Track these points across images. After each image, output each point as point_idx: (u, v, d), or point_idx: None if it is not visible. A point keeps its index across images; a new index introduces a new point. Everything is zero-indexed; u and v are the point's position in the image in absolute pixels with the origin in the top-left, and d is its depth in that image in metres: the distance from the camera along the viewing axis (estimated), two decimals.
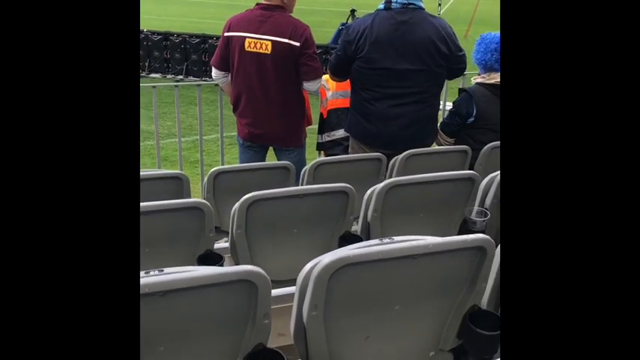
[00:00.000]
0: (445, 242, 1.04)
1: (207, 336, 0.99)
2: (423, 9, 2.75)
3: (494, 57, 2.72)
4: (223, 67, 2.99)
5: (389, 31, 2.69)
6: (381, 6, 2.75)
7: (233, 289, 0.96)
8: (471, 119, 2.74)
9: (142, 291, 0.86)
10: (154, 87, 3.50)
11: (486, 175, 1.95)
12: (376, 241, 1.12)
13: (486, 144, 2.53)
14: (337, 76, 2.96)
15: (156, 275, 0.89)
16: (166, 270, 0.95)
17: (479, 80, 2.81)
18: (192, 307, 0.94)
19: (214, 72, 3.05)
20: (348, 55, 2.76)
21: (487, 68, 2.79)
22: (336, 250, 1.06)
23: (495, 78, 2.73)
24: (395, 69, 2.70)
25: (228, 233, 1.79)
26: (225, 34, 2.92)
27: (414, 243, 1.02)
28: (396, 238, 1.12)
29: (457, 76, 2.97)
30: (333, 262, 0.99)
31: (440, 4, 17.10)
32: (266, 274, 0.99)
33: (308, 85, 2.92)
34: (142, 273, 0.90)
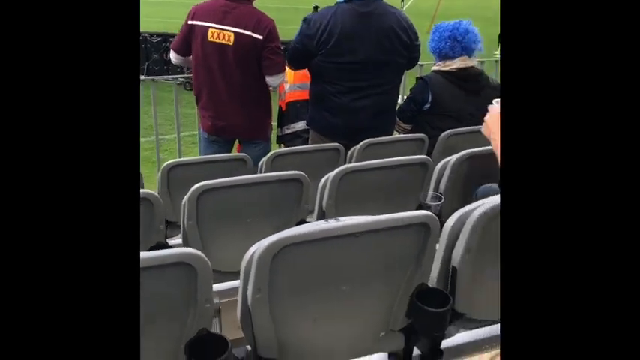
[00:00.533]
0: (388, 219, 1.03)
1: (148, 321, 0.97)
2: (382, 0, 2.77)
3: (448, 45, 2.76)
4: (183, 52, 2.94)
5: (353, 23, 2.68)
6: None
7: (171, 272, 0.93)
8: (427, 105, 2.78)
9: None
10: None
11: None
12: (322, 222, 1.10)
13: (443, 130, 2.55)
14: (295, 67, 2.95)
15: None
16: None
17: (435, 68, 2.85)
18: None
19: (172, 55, 3.01)
20: (309, 49, 2.74)
21: (442, 56, 2.83)
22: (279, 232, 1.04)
23: (450, 65, 2.77)
24: (360, 62, 2.71)
25: None
26: (189, 22, 2.87)
27: (356, 220, 1.02)
28: (341, 219, 1.11)
29: (412, 67, 2.99)
30: (275, 243, 0.98)
31: (403, 0, 17.25)
32: (206, 258, 0.97)
33: (270, 80, 2.89)
34: None
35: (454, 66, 2.75)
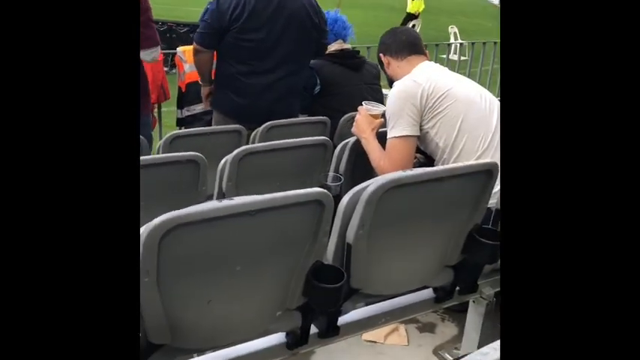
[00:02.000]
0: (281, 197, 1.02)
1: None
2: None
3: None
4: None
5: (265, 2, 2.63)
6: None
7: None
8: (317, 88, 2.89)
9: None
10: None
11: None
12: (214, 202, 1.07)
13: (337, 110, 2.64)
14: (207, 47, 2.79)
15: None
16: None
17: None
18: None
19: None
20: (222, 25, 2.64)
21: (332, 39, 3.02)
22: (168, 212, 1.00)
23: (330, 49, 2.98)
24: (271, 41, 2.66)
25: None
26: None
27: (249, 199, 1.00)
28: (235, 198, 1.08)
29: (321, 54, 2.99)
30: (163, 223, 0.93)
31: None
32: None
33: (143, 54, 2.73)
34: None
35: (332, 49, 2.99)
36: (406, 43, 2.08)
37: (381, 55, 2.16)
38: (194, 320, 1.08)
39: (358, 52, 3.19)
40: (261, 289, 1.13)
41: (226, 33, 2.65)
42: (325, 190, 1.08)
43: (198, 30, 2.81)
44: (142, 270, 0.95)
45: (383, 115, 2.00)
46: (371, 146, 1.94)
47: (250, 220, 1.02)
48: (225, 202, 1.00)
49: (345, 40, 3.05)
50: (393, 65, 2.11)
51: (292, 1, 2.69)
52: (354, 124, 2.03)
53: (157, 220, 0.94)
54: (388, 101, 1.98)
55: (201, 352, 1.17)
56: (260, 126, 2.50)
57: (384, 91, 2.97)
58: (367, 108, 2.05)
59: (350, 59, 3.00)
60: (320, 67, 2.93)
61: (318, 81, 2.90)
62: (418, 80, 1.90)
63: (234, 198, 1.05)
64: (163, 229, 0.93)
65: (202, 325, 1.09)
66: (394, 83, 2.01)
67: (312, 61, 2.93)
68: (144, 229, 0.95)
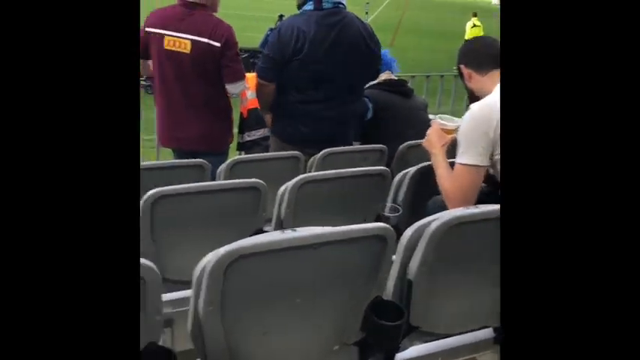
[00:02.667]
0: (344, 231, 1.02)
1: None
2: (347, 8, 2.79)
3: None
4: (144, 55, 2.86)
5: (325, 31, 2.67)
6: (309, 7, 2.70)
7: None
8: (369, 115, 2.95)
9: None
10: None
11: None
12: (278, 232, 1.09)
13: (393, 135, 2.65)
14: (270, 80, 2.85)
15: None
16: None
17: (366, 86, 3.04)
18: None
19: None
20: (284, 58, 2.69)
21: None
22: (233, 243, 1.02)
23: (382, 77, 3.08)
24: (330, 70, 2.70)
25: None
26: (146, 28, 2.79)
27: (313, 231, 1.00)
28: (298, 229, 1.09)
29: (374, 79, 3.03)
30: (229, 254, 0.95)
31: (367, 13, 17.46)
32: (156, 269, 0.94)
33: (230, 88, 2.82)
34: None
35: (381, 79, 3.09)
36: (491, 55, 1.87)
37: (461, 66, 1.97)
38: (252, 350, 1.08)
39: (406, 81, 3.39)
40: (320, 322, 1.13)
41: (287, 65, 2.71)
42: (388, 226, 1.07)
43: (259, 64, 2.88)
44: (205, 299, 0.97)
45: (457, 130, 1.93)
46: (439, 163, 1.85)
47: (313, 253, 1.03)
48: (289, 234, 1.00)
49: (392, 72, 3.19)
50: (475, 79, 1.93)
51: (349, 29, 2.72)
52: (426, 138, 1.97)
53: (222, 250, 0.96)
54: (464, 120, 1.87)
55: None
56: (316, 152, 2.52)
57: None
58: (440, 123, 1.95)
59: (399, 87, 3.14)
60: (372, 94, 3.02)
61: (370, 106, 2.98)
62: (496, 107, 1.79)
63: (298, 230, 1.06)
64: (229, 259, 0.95)
65: (260, 355, 1.10)
66: (472, 105, 1.90)
67: (365, 91, 2.99)
68: (210, 258, 0.97)
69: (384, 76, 3.10)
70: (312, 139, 2.76)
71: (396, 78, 3.24)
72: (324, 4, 2.68)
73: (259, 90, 2.90)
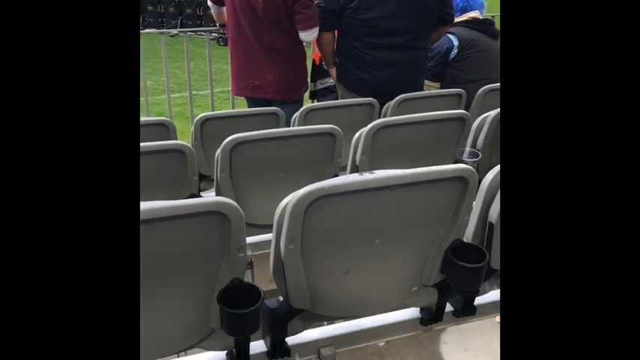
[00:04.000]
0: (424, 172, 1.00)
1: (182, 270, 0.97)
2: None
3: (461, 1, 3.02)
4: (219, 2, 2.90)
5: None
6: None
7: (205, 220, 0.93)
8: (454, 52, 2.86)
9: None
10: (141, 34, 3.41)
11: None
12: (356, 174, 1.08)
13: (474, 75, 2.55)
14: (326, 29, 2.83)
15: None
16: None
17: (455, 21, 2.95)
18: (164, 238, 0.91)
19: (209, 3, 2.98)
20: (335, 8, 2.67)
21: (461, 11, 3.02)
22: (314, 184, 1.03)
23: (468, 15, 2.99)
24: (388, 16, 2.63)
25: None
26: None
27: (392, 173, 0.99)
28: (376, 172, 1.08)
29: (447, 22, 2.91)
30: (309, 194, 0.96)
31: None
32: (239, 208, 0.96)
33: (303, 35, 2.80)
34: None
35: (470, 16, 3.01)
36: None
37: None
38: (333, 289, 1.11)
39: (493, 22, 3.24)
40: (399, 263, 1.13)
41: (342, 13, 2.66)
42: (471, 167, 1.04)
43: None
44: (287, 237, 0.99)
45: None
46: None
47: (391, 195, 1.02)
48: (368, 176, 1.00)
49: (480, 12, 3.10)
50: None
51: None
52: None
53: (302, 191, 0.97)
54: None
55: (336, 320, 1.21)
56: (381, 98, 2.48)
57: None
58: None
59: (487, 27, 3.02)
60: (458, 32, 2.93)
61: (457, 44, 2.90)
62: None
63: (376, 172, 1.05)
64: (309, 200, 0.96)
65: (340, 294, 1.12)
66: None
67: (450, 28, 2.91)
68: (291, 198, 0.99)
69: (472, 14, 3.03)
70: (374, 86, 2.72)
71: (481, 17, 3.14)
72: None
73: (317, 40, 2.87)
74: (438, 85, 2.92)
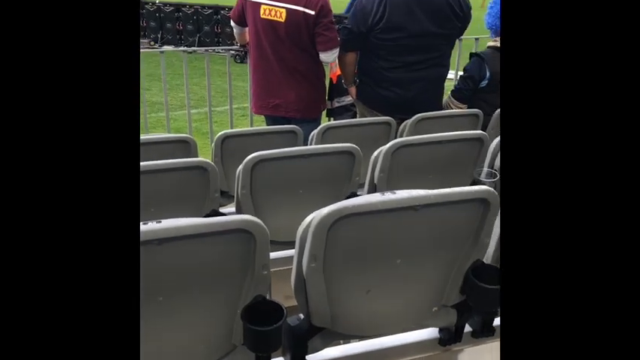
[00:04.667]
0: (447, 193, 1.01)
1: (206, 286, 0.99)
2: None
3: None
4: (240, 22, 2.96)
5: None
6: None
7: (230, 238, 0.95)
8: (484, 82, 2.72)
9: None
10: (162, 52, 3.48)
11: None
12: (378, 194, 1.10)
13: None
14: (351, 50, 2.86)
15: (152, 224, 0.88)
16: (164, 221, 0.94)
17: (490, 44, 2.80)
18: (189, 256, 0.93)
19: (232, 24, 3.03)
20: (362, 29, 2.69)
21: (498, 33, 2.79)
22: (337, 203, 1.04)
23: (498, 40, 2.75)
24: (413, 36, 2.66)
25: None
26: None
27: (415, 194, 1.00)
28: (397, 192, 1.10)
29: (460, 35, 2.91)
30: (332, 213, 0.98)
31: None
32: (263, 225, 0.98)
33: (324, 56, 2.84)
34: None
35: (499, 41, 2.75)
36: None
37: None
38: (353, 308, 1.12)
39: None
40: (420, 283, 1.14)
41: (369, 33, 2.69)
42: (492, 189, 1.05)
43: (341, 36, 2.88)
44: (309, 255, 1.01)
45: None
46: None
47: (413, 215, 1.03)
48: (391, 196, 1.01)
49: None
50: None
51: None
52: None
53: (326, 210, 0.98)
54: None
55: (356, 339, 1.22)
56: (403, 116, 2.49)
57: None
58: None
59: None
60: (490, 60, 2.72)
61: (488, 74, 2.73)
62: None
63: (398, 192, 1.07)
64: (332, 218, 0.97)
65: (361, 313, 1.13)
66: None
67: (482, 52, 2.82)
68: (314, 216, 1.00)
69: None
70: (396, 104, 2.75)
71: None
72: None
73: (340, 60, 2.90)
74: (465, 106, 2.87)
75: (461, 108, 2.84)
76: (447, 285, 1.15)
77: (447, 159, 1.88)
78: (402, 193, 1.02)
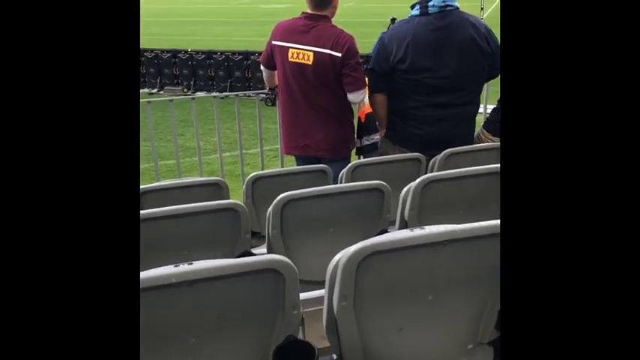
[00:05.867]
0: (474, 228, 1.01)
1: (238, 327, 1.00)
2: (458, 8, 2.71)
3: None
4: (270, 66, 3.04)
5: (430, 38, 2.63)
6: (416, 12, 2.68)
7: (260, 278, 0.96)
8: None
9: (168, 281, 0.88)
10: (193, 98, 3.59)
11: None
12: (406, 230, 1.10)
13: None
14: (378, 91, 2.89)
15: (183, 265, 0.90)
16: (195, 263, 0.96)
17: None
18: (219, 297, 0.95)
19: (262, 68, 3.12)
20: (385, 68, 2.72)
21: None
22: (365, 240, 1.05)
23: None
24: (441, 77, 2.66)
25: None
26: (272, 42, 2.95)
27: (442, 229, 1.00)
28: (426, 227, 1.10)
29: (494, 77, 2.90)
30: (360, 250, 0.98)
31: (482, 9, 16.84)
32: (293, 264, 0.99)
33: (352, 97, 2.88)
34: (171, 266, 0.92)
35: None
36: None
37: None
38: (386, 346, 1.10)
39: None
40: (453, 320, 1.12)
41: (394, 73, 2.71)
42: None
43: (368, 78, 2.91)
44: (340, 294, 1.01)
45: None
46: None
47: (442, 251, 1.03)
48: (417, 232, 1.01)
49: None
50: None
51: (460, 34, 2.63)
52: None
53: (353, 248, 0.99)
54: None
55: None
56: (435, 153, 2.49)
57: None
58: None
59: None
60: None
61: None
62: None
63: (426, 227, 1.07)
64: (362, 256, 0.98)
65: (393, 352, 1.11)
66: None
67: None
68: (342, 255, 1.01)
69: None
70: (427, 142, 2.74)
71: None
72: (430, 8, 2.62)
73: (371, 102, 2.93)
74: (497, 139, 2.85)
75: (493, 141, 2.81)
76: (482, 321, 1.13)
77: (477, 193, 1.87)
78: (430, 229, 1.02)
